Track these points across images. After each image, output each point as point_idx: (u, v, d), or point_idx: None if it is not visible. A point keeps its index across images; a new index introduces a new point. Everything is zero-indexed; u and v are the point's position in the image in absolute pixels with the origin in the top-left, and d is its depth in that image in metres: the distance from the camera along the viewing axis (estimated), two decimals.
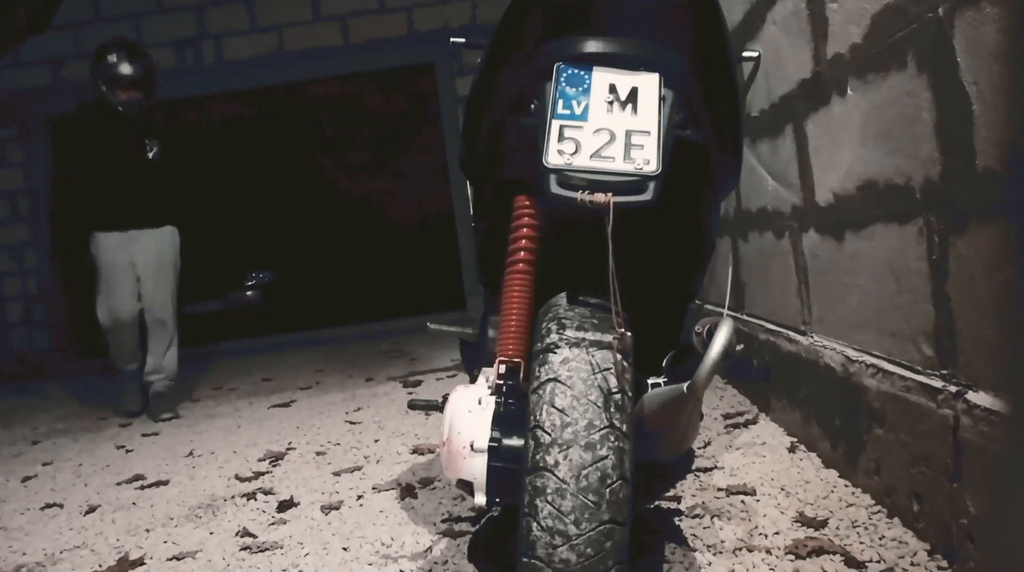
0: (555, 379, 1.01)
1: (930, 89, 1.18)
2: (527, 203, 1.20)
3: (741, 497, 1.61)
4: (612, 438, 0.98)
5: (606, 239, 0.97)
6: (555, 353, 1.03)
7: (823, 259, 1.72)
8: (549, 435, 0.98)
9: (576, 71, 1.08)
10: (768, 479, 1.69)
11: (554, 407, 0.99)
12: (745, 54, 2.01)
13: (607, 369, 1.01)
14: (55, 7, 4.36)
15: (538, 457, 0.97)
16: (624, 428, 0.99)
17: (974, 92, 1.06)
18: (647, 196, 1.01)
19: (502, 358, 1.18)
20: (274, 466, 2.40)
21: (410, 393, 3.36)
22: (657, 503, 1.64)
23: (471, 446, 1.10)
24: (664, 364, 1.28)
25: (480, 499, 1.11)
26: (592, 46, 1.09)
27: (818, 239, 1.74)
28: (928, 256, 1.23)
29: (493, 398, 1.15)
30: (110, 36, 6.53)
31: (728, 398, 2.51)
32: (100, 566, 1.74)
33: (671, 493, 1.68)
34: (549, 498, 0.95)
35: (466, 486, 1.13)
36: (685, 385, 0.96)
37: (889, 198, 1.35)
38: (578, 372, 1.01)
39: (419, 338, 5.04)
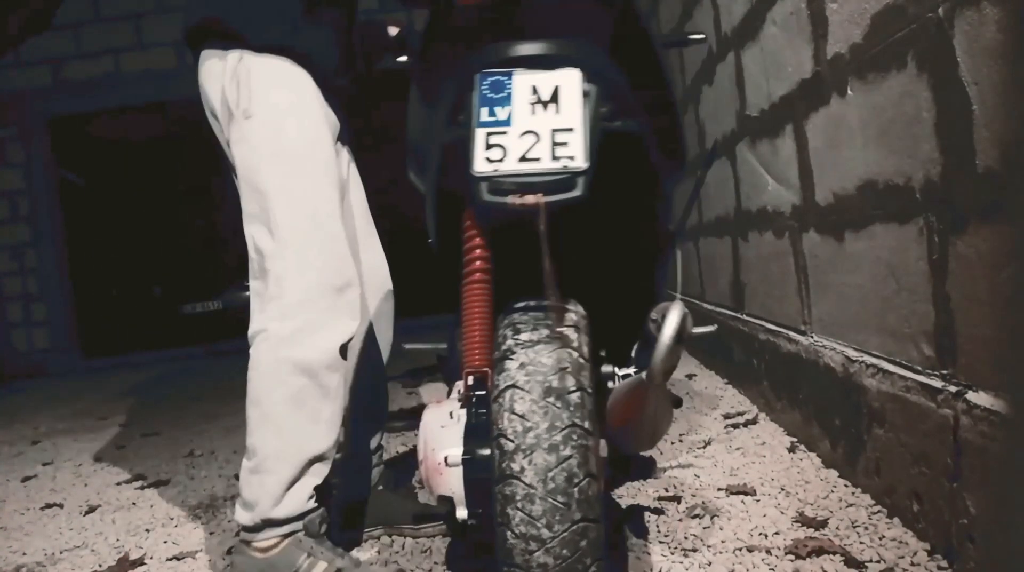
0: (513, 385, 1.01)
1: (930, 89, 1.18)
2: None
3: (741, 497, 1.61)
4: (575, 437, 0.97)
5: (541, 239, 0.98)
6: (512, 359, 1.03)
7: (823, 259, 1.72)
8: (512, 442, 0.98)
9: (497, 77, 1.09)
10: (768, 479, 1.69)
11: (514, 413, 0.99)
12: (692, 36, 2.02)
13: (563, 368, 1.01)
14: (55, 7, 4.36)
15: (504, 465, 0.97)
16: (586, 425, 0.99)
17: (974, 92, 1.06)
18: (577, 192, 1.01)
19: (469, 369, 1.18)
20: None
21: (409, 393, 3.36)
22: (657, 503, 1.64)
23: (445, 461, 1.10)
24: (632, 355, 1.28)
25: (462, 513, 1.11)
26: (510, 51, 1.10)
27: (818, 239, 1.74)
28: (928, 256, 1.23)
29: (464, 411, 1.15)
30: (110, 36, 6.57)
31: (728, 398, 2.51)
32: (100, 566, 1.74)
33: (671, 493, 1.68)
34: (519, 504, 0.96)
35: (447, 501, 1.13)
36: (644, 373, 0.96)
37: (889, 198, 1.35)
38: (535, 375, 1.00)
39: (419, 338, 5.04)
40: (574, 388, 1.00)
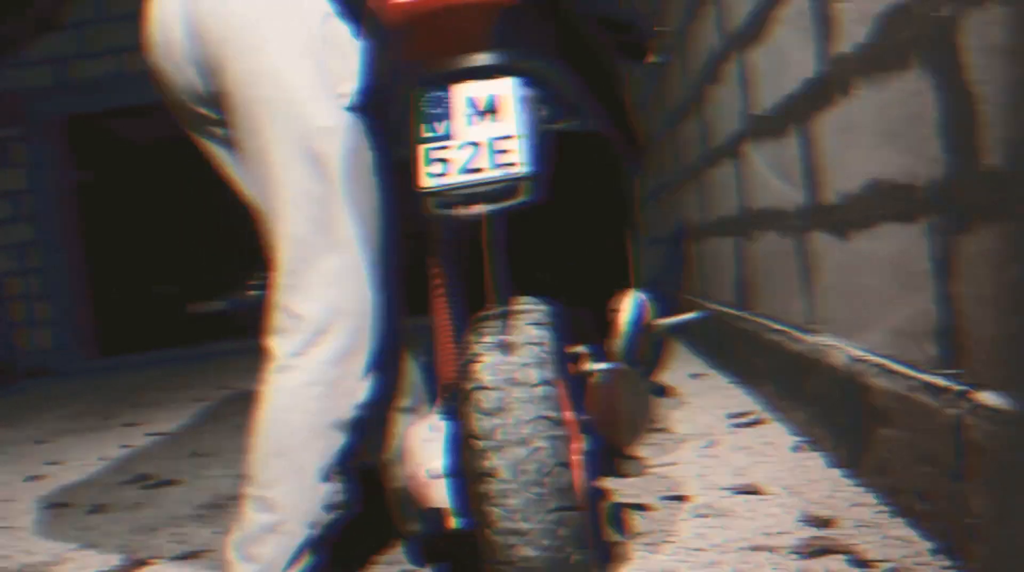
0: (480, 386, 1.02)
1: (936, 89, 1.18)
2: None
3: (747, 496, 1.61)
4: (543, 428, 0.99)
5: (486, 247, 0.99)
6: (477, 361, 1.05)
7: (828, 259, 1.72)
8: (483, 441, 0.99)
9: (435, 93, 1.10)
10: (773, 478, 1.69)
11: (482, 412, 1.00)
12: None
13: (527, 364, 1.02)
14: (62, 8, 4.37)
15: (478, 465, 0.99)
16: (554, 416, 1.00)
17: (980, 92, 1.06)
18: (522, 197, 1.03)
19: (445, 380, 1.19)
20: None
21: None
22: (662, 502, 1.64)
23: (430, 473, 1.11)
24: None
25: (454, 522, 1.11)
26: (444, 65, 1.11)
27: (823, 238, 1.74)
28: (933, 255, 1.23)
29: (444, 422, 1.16)
30: (111, 36, 6.57)
31: (733, 398, 2.51)
32: (106, 565, 1.74)
33: (676, 492, 1.69)
34: (495, 501, 0.97)
35: (438, 513, 1.13)
36: (609, 364, 0.98)
37: (894, 198, 1.35)
38: (499, 374, 1.02)
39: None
40: (538, 381, 1.01)
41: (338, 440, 1.24)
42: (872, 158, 1.43)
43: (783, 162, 1.97)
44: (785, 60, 1.86)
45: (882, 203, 1.41)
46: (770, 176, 2.10)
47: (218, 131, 1.33)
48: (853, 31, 1.46)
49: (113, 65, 6.60)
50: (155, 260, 7.56)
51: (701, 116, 2.97)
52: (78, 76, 6.59)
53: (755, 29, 2.08)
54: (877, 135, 1.40)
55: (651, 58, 1.74)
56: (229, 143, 1.32)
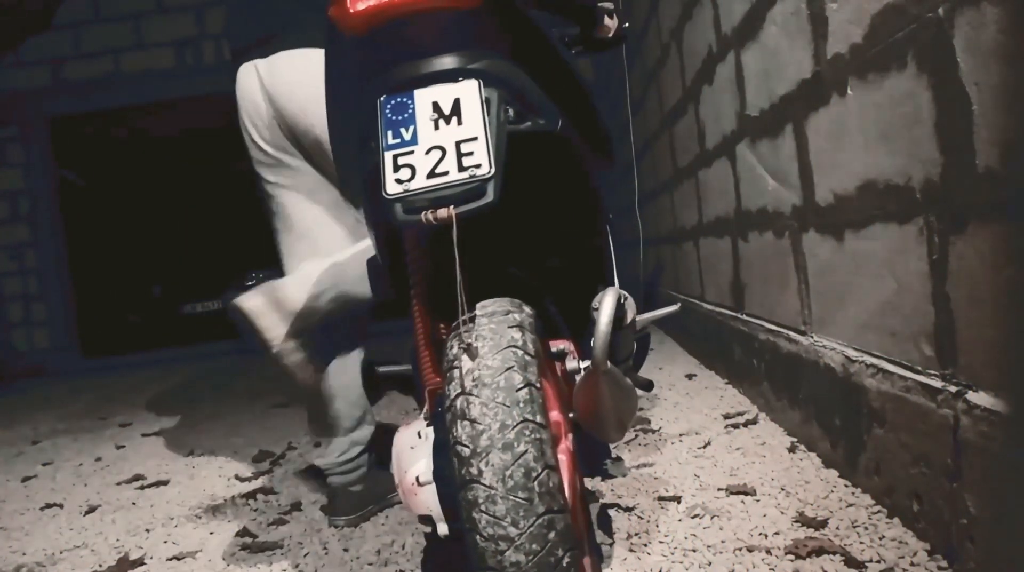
0: (462, 392, 1.02)
1: (930, 89, 1.18)
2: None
3: (741, 497, 1.61)
4: (527, 432, 0.99)
5: (452, 250, 0.99)
6: (458, 368, 1.04)
7: (823, 259, 1.72)
8: (468, 447, 0.99)
9: (399, 99, 1.11)
10: (768, 479, 1.69)
11: (466, 419, 1.00)
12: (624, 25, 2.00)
13: (509, 367, 1.02)
14: (55, 7, 4.36)
15: (463, 472, 0.99)
16: (538, 418, 1.00)
17: (974, 92, 1.06)
18: (488, 198, 1.03)
19: (430, 387, 1.19)
20: (274, 466, 2.40)
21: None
22: (657, 503, 1.64)
23: (418, 480, 1.11)
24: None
25: (443, 529, 1.11)
26: (407, 72, 1.12)
27: (818, 239, 1.74)
28: (928, 256, 1.23)
29: (431, 428, 1.15)
30: (110, 36, 6.57)
31: (728, 398, 2.51)
32: (100, 566, 1.74)
33: (671, 493, 1.68)
34: (483, 507, 0.96)
35: (427, 520, 1.13)
36: (589, 363, 1.00)
37: (889, 198, 1.35)
38: (480, 379, 1.02)
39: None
40: (521, 385, 1.01)
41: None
42: (866, 159, 1.43)
43: (778, 162, 1.97)
44: (779, 60, 1.86)
45: (877, 203, 1.41)
46: (765, 176, 2.10)
47: (272, 166, 1.87)
48: (847, 31, 1.46)
49: (109, 66, 6.59)
50: (151, 260, 7.54)
51: (697, 116, 2.97)
52: (74, 77, 6.59)
53: (750, 29, 2.09)
54: (871, 136, 1.40)
55: (608, 34, 1.73)
56: (282, 175, 1.86)
